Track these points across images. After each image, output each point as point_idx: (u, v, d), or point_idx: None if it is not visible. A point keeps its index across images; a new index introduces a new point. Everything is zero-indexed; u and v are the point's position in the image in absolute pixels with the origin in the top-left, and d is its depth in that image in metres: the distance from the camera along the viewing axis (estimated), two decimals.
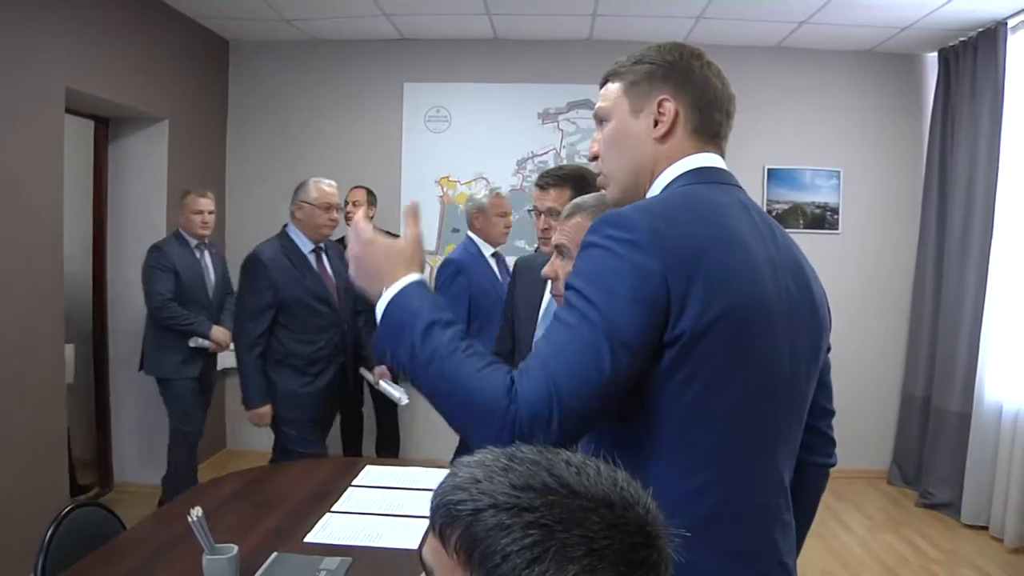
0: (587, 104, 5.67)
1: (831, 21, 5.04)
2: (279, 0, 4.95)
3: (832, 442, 1.55)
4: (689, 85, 1.36)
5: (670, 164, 1.35)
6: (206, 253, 4.63)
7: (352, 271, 1.37)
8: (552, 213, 2.66)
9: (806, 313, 1.34)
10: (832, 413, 1.55)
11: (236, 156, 5.94)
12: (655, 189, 1.36)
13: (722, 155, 1.40)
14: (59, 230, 4.08)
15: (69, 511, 2.28)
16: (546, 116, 5.78)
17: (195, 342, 4.42)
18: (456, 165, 5.81)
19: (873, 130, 5.73)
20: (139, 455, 5.05)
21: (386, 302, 1.28)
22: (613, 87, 1.42)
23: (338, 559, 2.08)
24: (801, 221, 5.66)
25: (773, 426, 1.28)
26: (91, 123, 4.97)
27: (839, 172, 5.70)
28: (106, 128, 5.06)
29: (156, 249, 4.44)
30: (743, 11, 4.97)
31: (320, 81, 5.88)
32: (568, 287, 1.21)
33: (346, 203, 5.12)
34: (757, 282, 1.22)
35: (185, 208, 4.54)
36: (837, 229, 5.75)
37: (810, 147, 5.76)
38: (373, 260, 1.34)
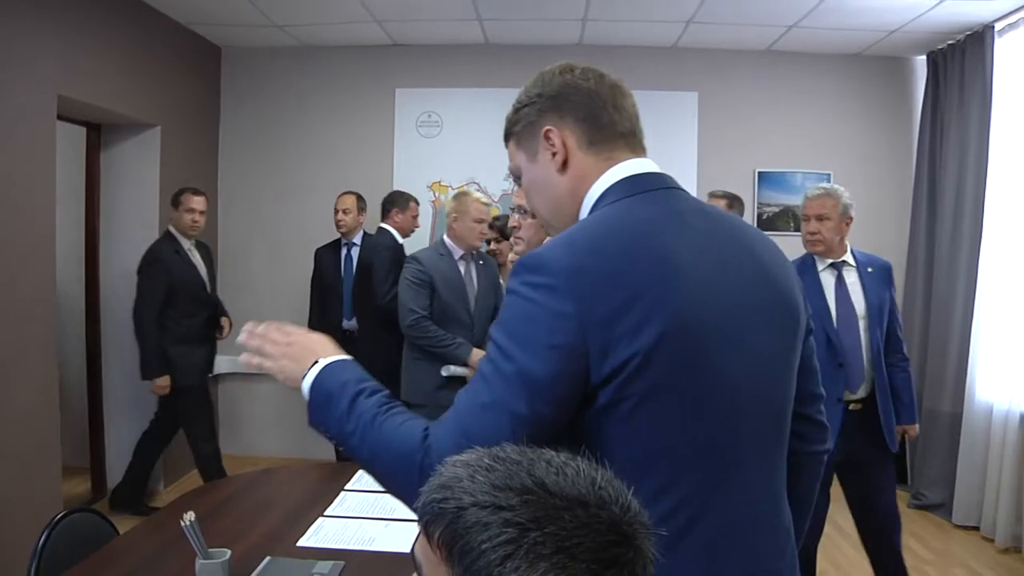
0: None
1: (820, 25, 5.08)
2: (271, 6, 4.96)
3: (824, 427, 1.52)
4: (564, 104, 1.34)
5: (588, 185, 1.34)
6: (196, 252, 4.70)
7: (270, 364, 1.38)
8: (521, 210, 2.77)
9: (775, 308, 1.32)
10: (821, 397, 1.51)
11: (228, 162, 5.94)
12: (584, 213, 1.34)
13: (639, 151, 1.38)
14: (51, 236, 4.08)
15: (62, 517, 2.28)
16: None
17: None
18: (448, 170, 5.83)
19: (863, 133, 5.77)
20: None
21: (312, 379, 1.31)
22: (511, 144, 1.42)
23: (331, 563, 2.09)
24: (792, 224, 5.68)
25: (746, 437, 1.25)
26: (83, 130, 4.98)
27: (829, 175, 5.72)
28: (98, 135, 5.06)
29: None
30: (733, 15, 5.00)
31: (312, 87, 5.89)
32: (491, 338, 1.21)
33: (336, 211, 5.15)
34: (696, 298, 1.19)
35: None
36: None
37: (800, 150, 5.79)
38: (302, 345, 1.37)
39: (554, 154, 1.35)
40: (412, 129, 5.80)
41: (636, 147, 1.37)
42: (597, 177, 1.33)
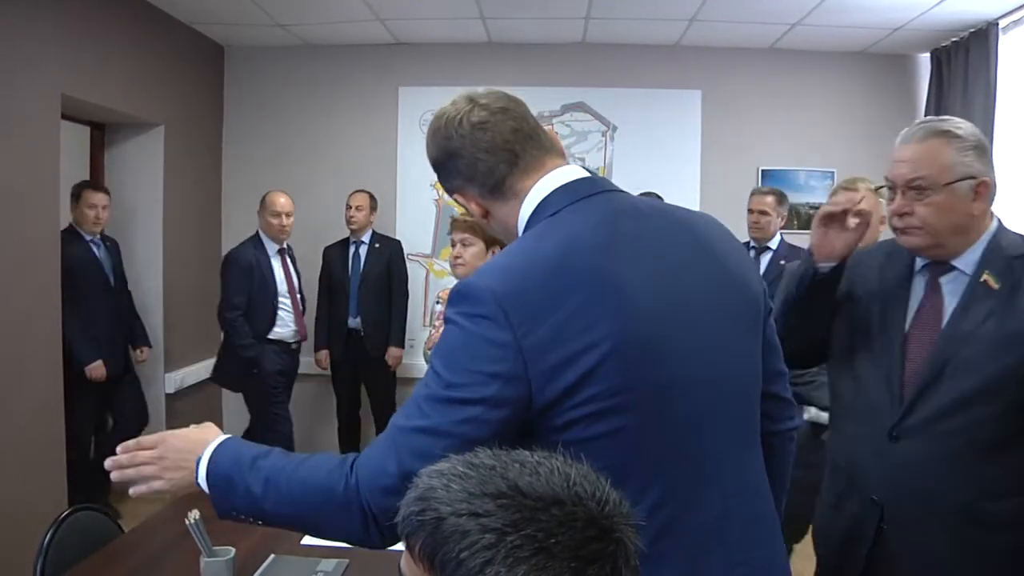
0: (581, 107, 5.70)
1: (824, 23, 5.07)
2: (274, 5, 4.96)
3: (790, 404, 1.51)
4: (460, 161, 1.35)
5: (515, 214, 1.35)
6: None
7: (159, 484, 1.32)
8: (464, 243, 2.94)
9: (730, 298, 1.31)
10: (784, 374, 1.50)
11: (233, 161, 5.95)
12: (521, 231, 1.35)
13: (552, 153, 1.37)
14: (56, 236, 4.10)
15: (68, 514, 2.30)
16: (540, 119, 5.71)
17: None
18: None
19: (866, 131, 5.75)
20: None
21: (204, 473, 1.27)
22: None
23: (335, 561, 2.10)
24: (795, 222, 5.67)
25: (714, 434, 1.25)
26: (87, 129, 4.99)
27: (833, 173, 5.71)
28: (102, 134, 5.07)
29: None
30: (736, 13, 4.99)
31: (315, 86, 5.89)
32: (429, 364, 1.22)
33: (348, 207, 5.18)
34: (640, 309, 1.18)
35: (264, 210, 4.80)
36: None
37: (804, 148, 5.78)
38: (175, 448, 1.32)
39: (473, 208, 1.38)
40: (415, 127, 5.79)
41: (549, 157, 1.37)
42: (520, 205, 1.34)
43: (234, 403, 5.51)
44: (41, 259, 3.98)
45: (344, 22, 5.30)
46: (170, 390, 5.16)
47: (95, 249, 4.56)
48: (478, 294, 1.18)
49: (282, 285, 4.95)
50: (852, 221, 1.75)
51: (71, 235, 4.44)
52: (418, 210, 5.82)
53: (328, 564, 2.08)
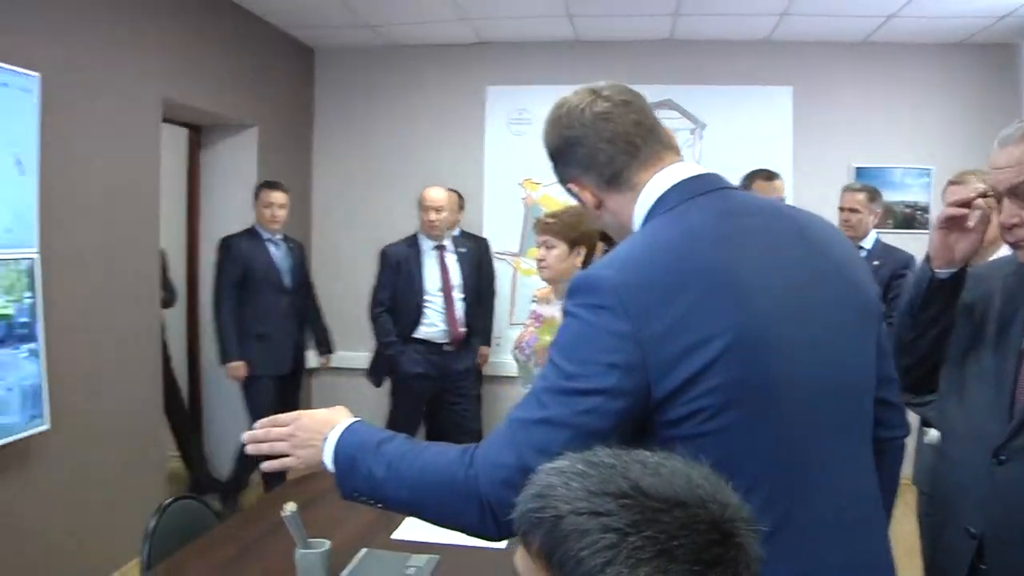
0: (668, 104, 5.62)
1: (921, 14, 4.89)
2: (362, 7, 5.04)
3: (901, 410, 1.46)
4: (580, 150, 1.35)
5: (629, 209, 1.35)
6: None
7: (290, 460, 1.39)
8: (546, 245, 3.00)
9: (844, 298, 1.29)
10: (895, 380, 1.45)
11: (322, 160, 6.07)
12: (637, 226, 1.35)
13: (670, 149, 1.37)
14: (155, 235, 4.28)
15: (170, 503, 2.39)
16: None
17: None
18: (539, 167, 5.77)
19: (966, 126, 5.52)
20: (231, 451, 5.20)
21: (331, 453, 1.32)
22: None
23: (426, 557, 2.11)
24: (891, 221, 5.50)
25: (826, 438, 1.23)
26: (185, 131, 5.16)
27: (930, 170, 5.52)
28: (199, 135, 5.24)
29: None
30: (828, 7, 4.87)
31: (402, 85, 5.96)
32: (548, 358, 1.22)
33: (426, 208, 5.14)
34: (757, 306, 1.18)
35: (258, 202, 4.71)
36: (927, 229, 5.57)
37: (900, 144, 5.59)
38: (306, 427, 1.37)
39: (586, 200, 1.39)
40: (503, 127, 5.81)
41: (665, 155, 1.37)
42: (635, 199, 1.34)
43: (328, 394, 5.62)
44: (142, 257, 4.16)
45: (430, 22, 5.36)
46: None
47: (272, 248, 4.67)
48: (597, 285, 1.19)
49: (433, 283, 4.68)
50: (974, 215, 1.63)
51: (249, 234, 4.62)
52: (505, 209, 5.83)
53: (419, 559, 2.10)
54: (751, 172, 4.17)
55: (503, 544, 1.32)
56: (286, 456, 1.38)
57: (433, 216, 4.63)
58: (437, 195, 4.67)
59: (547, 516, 0.82)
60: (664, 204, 1.30)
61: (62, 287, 3.44)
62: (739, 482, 1.14)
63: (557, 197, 3.90)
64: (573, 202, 1.55)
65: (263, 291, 4.58)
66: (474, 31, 5.54)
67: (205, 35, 4.63)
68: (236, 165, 5.24)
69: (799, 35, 5.39)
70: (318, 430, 1.35)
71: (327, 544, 1.96)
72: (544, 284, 3.30)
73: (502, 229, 5.80)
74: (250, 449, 1.41)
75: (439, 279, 4.71)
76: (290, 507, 1.94)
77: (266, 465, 1.41)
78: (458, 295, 4.75)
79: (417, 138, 5.94)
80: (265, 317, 4.57)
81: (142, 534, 2.23)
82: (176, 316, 5.22)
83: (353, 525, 2.36)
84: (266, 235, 4.65)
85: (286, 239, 4.79)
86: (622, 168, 1.34)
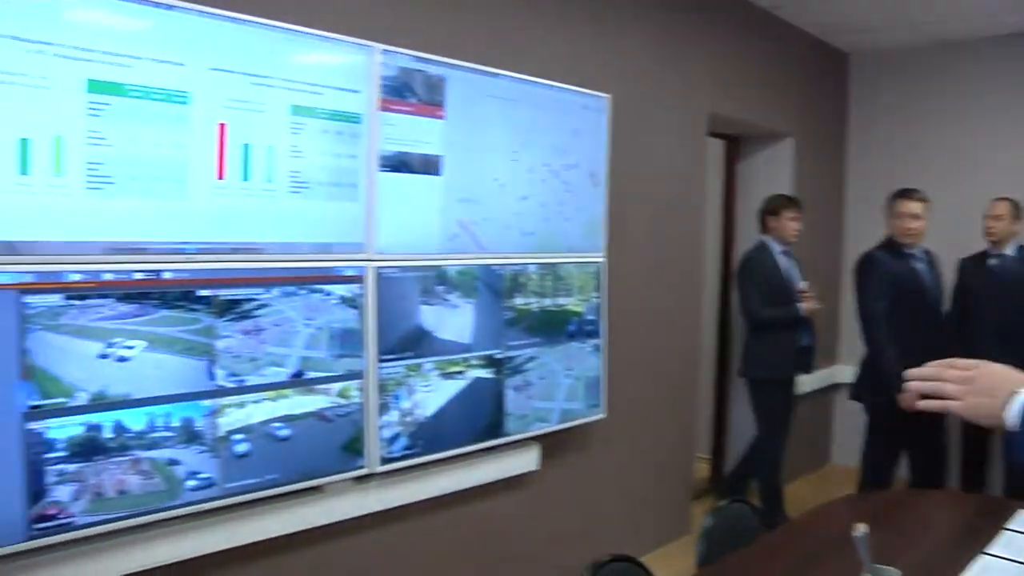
0: None
1: None
2: (901, 6, 4.77)
3: None
4: None
5: None
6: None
7: (956, 404, 1.28)
8: None
9: None
10: None
11: (856, 167, 5.90)
12: None
13: None
14: (701, 244, 4.57)
15: (723, 505, 2.52)
16: None
17: None
18: None
19: None
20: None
21: (1021, 410, 1.21)
22: None
23: None
24: None
25: None
26: (721, 142, 5.36)
27: None
28: (736, 146, 5.41)
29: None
30: None
31: (946, 84, 5.52)
32: None
33: (987, 216, 4.62)
34: None
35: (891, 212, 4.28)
36: None
37: None
38: (991, 374, 1.27)
39: None
40: None
41: None
42: None
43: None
44: (688, 261, 4.47)
45: (976, 15, 4.89)
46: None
47: (912, 263, 4.23)
48: None
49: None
50: None
51: (885, 248, 4.24)
52: None
53: None
54: None
55: None
56: (953, 400, 1.29)
57: (909, 223, 4.16)
58: (911, 204, 4.18)
59: None
60: None
61: (620, 289, 3.81)
62: None
63: None
64: None
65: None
66: None
67: (746, 48, 4.77)
68: (772, 175, 5.31)
69: None
70: (1007, 380, 1.26)
71: (898, 573, 1.87)
72: None
73: None
74: (912, 386, 1.34)
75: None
76: (861, 527, 1.89)
77: (923, 403, 1.33)
78: None
79: (964, 142, 5.43)
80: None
81: (671, 522, 2.36)
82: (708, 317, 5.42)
83: (924, 553, 2.23)
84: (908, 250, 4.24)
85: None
86: None
